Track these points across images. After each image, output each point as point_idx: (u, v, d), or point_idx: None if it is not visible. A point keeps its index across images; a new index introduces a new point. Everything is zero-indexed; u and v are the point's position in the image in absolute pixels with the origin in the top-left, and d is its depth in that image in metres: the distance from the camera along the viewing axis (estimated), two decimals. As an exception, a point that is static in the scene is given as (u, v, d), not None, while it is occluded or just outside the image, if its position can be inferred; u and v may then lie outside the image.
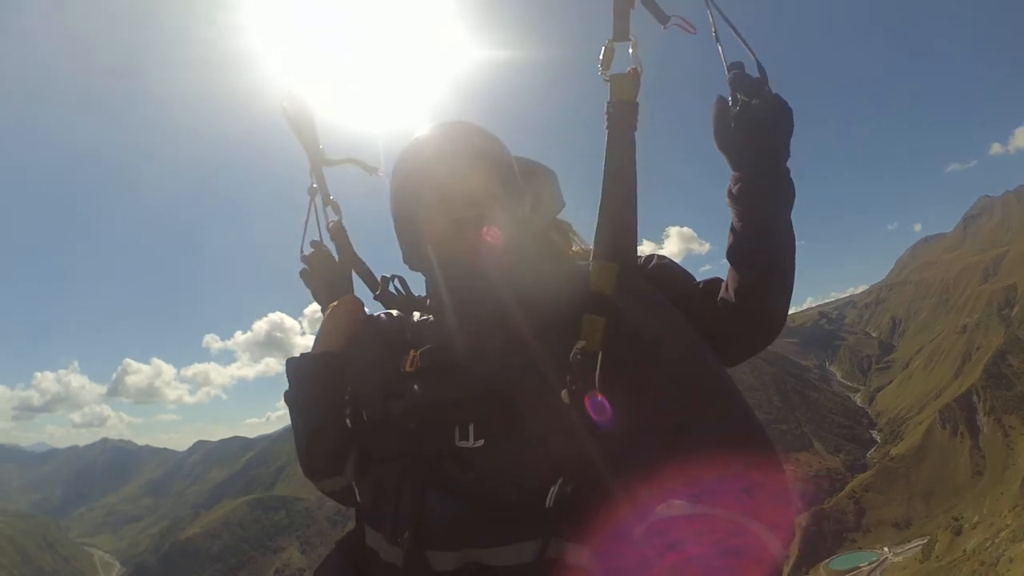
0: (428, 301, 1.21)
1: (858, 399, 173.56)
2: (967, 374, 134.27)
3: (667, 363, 0.92)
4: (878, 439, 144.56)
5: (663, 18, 1.11)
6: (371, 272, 1.38)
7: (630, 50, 1.04)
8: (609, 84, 1.04)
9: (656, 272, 1.39)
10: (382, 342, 1.21)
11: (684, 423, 0.86)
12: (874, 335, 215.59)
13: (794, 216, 1.18)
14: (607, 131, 1.02)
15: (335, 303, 1.36)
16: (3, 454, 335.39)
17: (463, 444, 0.96)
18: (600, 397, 0.88)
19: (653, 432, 0.87)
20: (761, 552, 0.77)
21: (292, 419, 1.24)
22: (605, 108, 1.03)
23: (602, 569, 0.86)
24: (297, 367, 1.25)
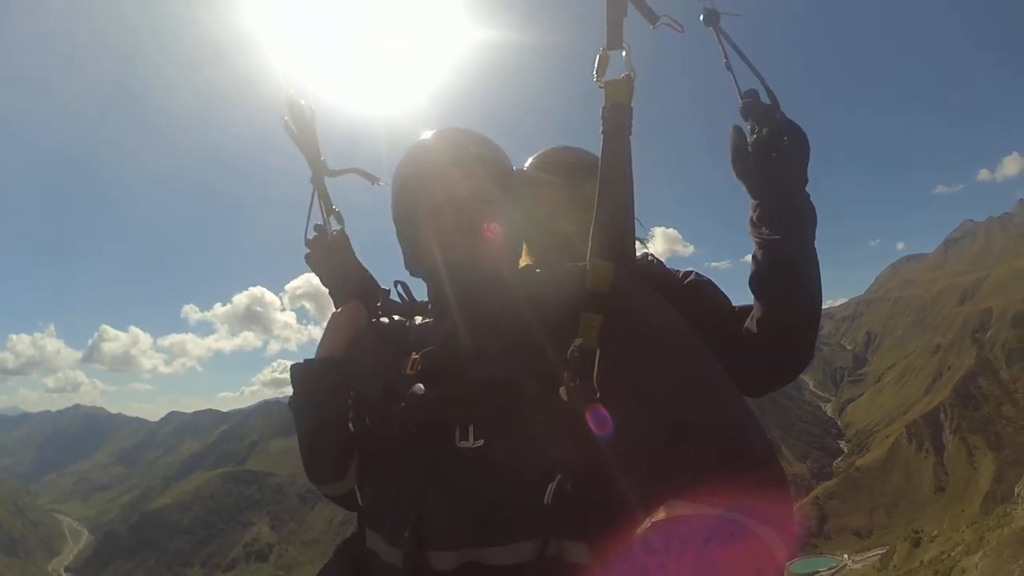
0: (429, 306, 1.23)
1: (828, 409, 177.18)
2: (937, 392, 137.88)
3: (664, 362, 0.93)
4: (845, 449, 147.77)
5: (652, 18, 1.14)
6: (375, 280, 1.42)
7: (623, 54, 1.07)
8: (604, 90, 1.06)
9: (690, 289, 1.38)
10: (384, 346, 1.22)
11: (682, 422, 0.86)
12: (849, 348, 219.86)
13: None
14: (603, 135, 1.05)
15: (338, 310, 1.37)
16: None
17: (463, 444, 0.96)
18: (600, 409, 0.88)
19: (652, 431, 0.86)
20: (763, 552, 0.76)
21: (296, 424, 1.25)
22: (601, 113, 1.06)
23: (602, 568, 0.87)
24: (301, 373, 1.26)
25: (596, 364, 0.92)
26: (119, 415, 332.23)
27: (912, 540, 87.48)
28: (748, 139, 1.19)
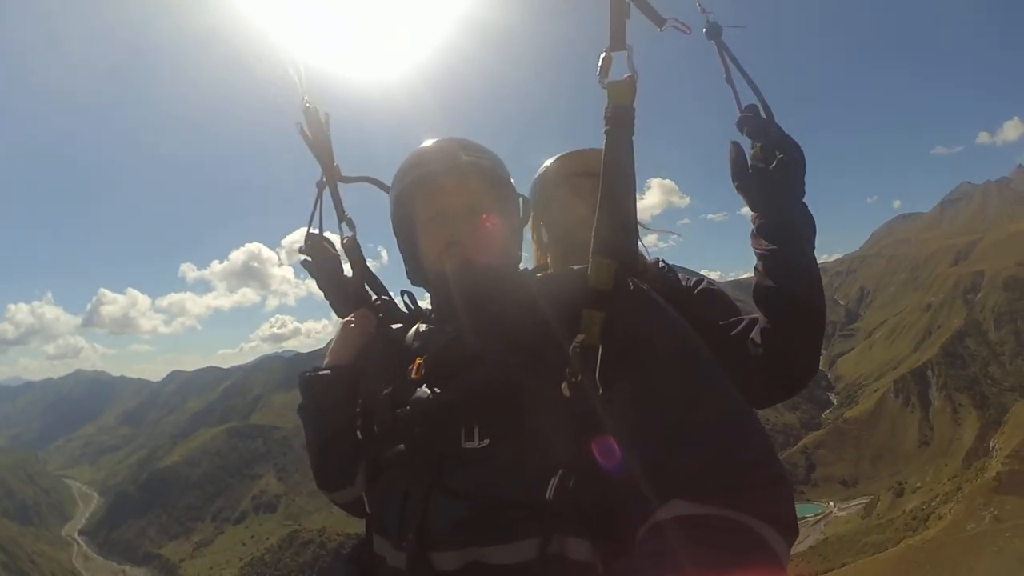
0: (432, 313, 1.25)
1: (819, 362, 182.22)
2: (925, 350, 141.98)
3: (664, 360, 0.93)
4: (834, 401, 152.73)
5: (659, 21, 1.15)
6: (384, 287, 1.44)
7: (626, 56, 1.08)
8: (607, 91, 1.08)
9: (699, 297, 1.41)
10: (391, 353, 1.24)
11: (683, 420, 0.86)
12: (841, 303, 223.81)
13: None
14: (605, 134, 1.07)
15: (347, 317, 1.39)
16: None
17: (468, 445, 0.97)
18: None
19: (652, 428, 0.87)
20: (763, 550, 0.76)
21: (306, 432, 1.27)
22: (603, 113, 1.08)
23: (604, 566, 0.88)
24: (311, 382, 1.28)
25: (598, 360, 0.93)
26: (121, 377, 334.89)
27: (896, 490, 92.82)
28: (747, 154, 1.23)
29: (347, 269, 1.55)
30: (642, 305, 1.01)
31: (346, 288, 1.49)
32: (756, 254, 1.24)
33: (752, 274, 1.26)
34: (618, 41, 1.08)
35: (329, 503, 1.33)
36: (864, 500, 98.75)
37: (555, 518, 0.89)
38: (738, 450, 0.84)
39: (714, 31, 1.29)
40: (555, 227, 1.55)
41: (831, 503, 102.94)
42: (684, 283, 1.49)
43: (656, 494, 0.83)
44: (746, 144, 1.27)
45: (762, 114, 1.25)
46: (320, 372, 1.29)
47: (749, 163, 1.23)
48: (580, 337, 0.94)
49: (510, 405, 0.95)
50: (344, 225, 1.53)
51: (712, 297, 1.43)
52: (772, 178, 1.20)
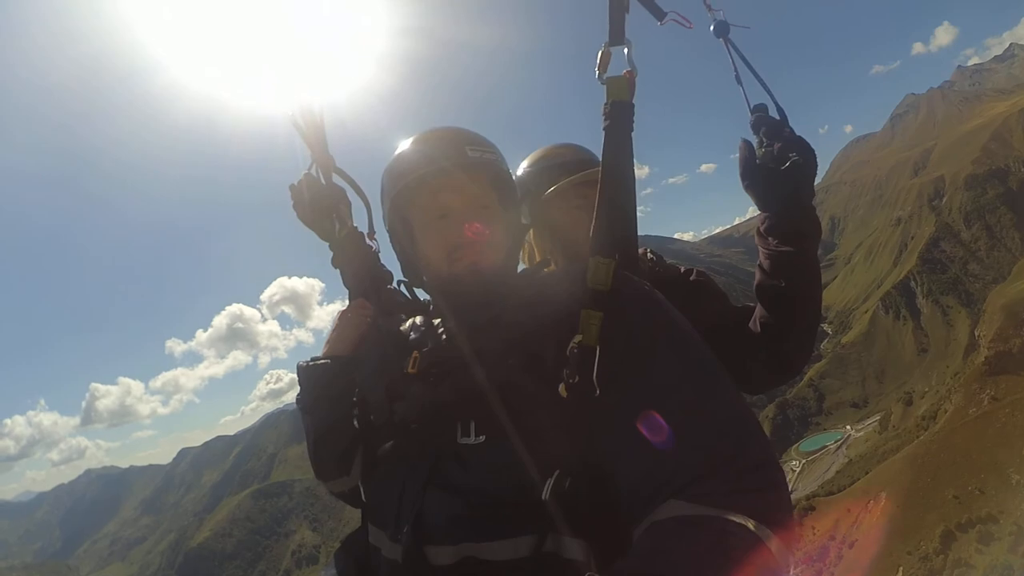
0: (430, 306, 1.24)
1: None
2: (904, 263, 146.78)
3: (663, 361, 0.92)
4: (829, 331, 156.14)
5: (659, 14, 1.14)
6: (389, 275, 1.46)
7: (625, 51, 1.06)
8: (606, 86, 1.06)
9: (692, 287, 1.44)
10: (388, 344, 1.23)
11: (683, 422, 0.86)
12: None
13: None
14: (604, 131, 1.05)
15: (344, 307, 1.37)
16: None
17: (465, 441, 0.97)
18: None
19: (653, 429, 0.86)
20: (759, 552, 0.76)
21: (304, 423, 1.27)
22: (602, 109, 1.05)
23: (599, 566, 0.87)
24: (308, 372, 1.27)
25: (596, 362, 0.91)
26: (131, 468, 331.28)
27: (905, 400, 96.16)
28: (757, 152, 1.22)
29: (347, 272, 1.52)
30: (643, 305, 1.00)
31: (357, 281, 1.46)
32: (763, 252, 1.26)
33: (755, 272, 1.28)
34: (617, 36, 1.05)
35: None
36: (877, 417, 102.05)
37: (550, 517, 0.89)
38: (738, 453, 0.83)
39: (722, 29, 1.27)
40: (556, 234, 1.53)
41: (847, 427, 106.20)
42: (675, 274, 1.51)
43: (654, 495, 0.83)
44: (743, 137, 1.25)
45: (774, 114, 1.25)
46: (317, 362, 1.27)
47: (759, 163, 1.21)
48: (578, 338, 0.93)
49: (507, 404, 0.94)
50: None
51: (705, 287, 1.45)
52: (783, 179, 1.19)
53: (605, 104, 1.06)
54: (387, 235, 1.25)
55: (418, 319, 1.25)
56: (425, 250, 1.14)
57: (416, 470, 1.01)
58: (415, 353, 1.11)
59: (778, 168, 1.20)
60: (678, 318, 1.00)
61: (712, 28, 1.28)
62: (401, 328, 1.26)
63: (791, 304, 1.24)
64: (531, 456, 0.91)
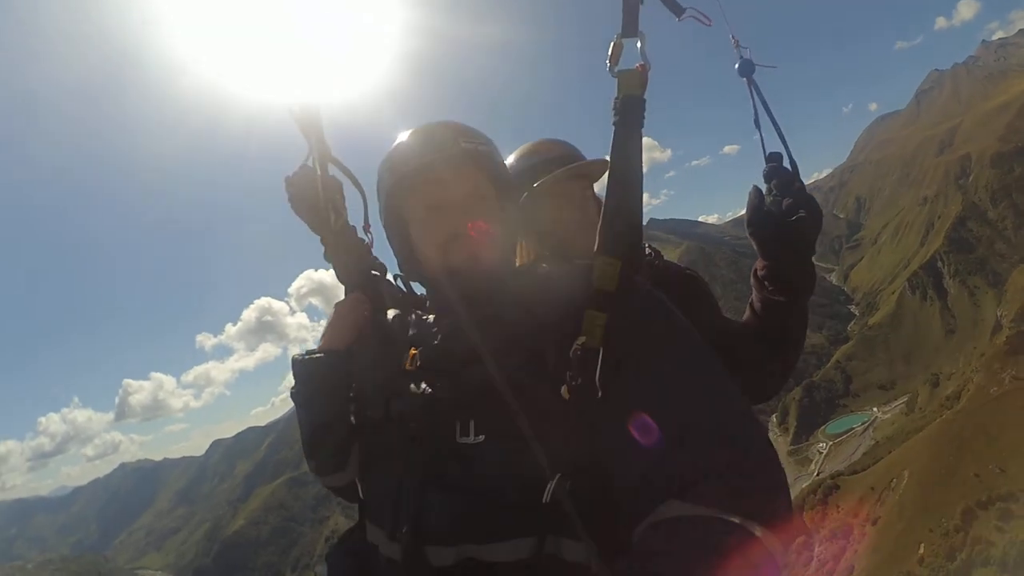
0: (428, 302, 1.22)
1: (833, 278, 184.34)
2: (931, 242, 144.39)
3: (667, 363, 0.92)
4: (856, 312, 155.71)
5: (678, 10, 1.12)
6: (383, 265, 1.41)
7: (638, 45, 1.04)
8: (617, 80, 1.03)
9: (691, 291, 1.47)
10: (385, 340, 1.22)
11: (683, 424, 0.86)
12: (841, 216, 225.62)
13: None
14: (614, 126, 1.02)
15: (340, 301, 1.35)
16: (29, 507, 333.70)
17: (464, 440, 0.96)
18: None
19: (654, 430, 0.86)
20: (760, 554, 0.77)
21: (298, 416, 1.25)
22: (612, 103, 1.03)
23: (599, 567, 0.86)
24: (303, 366, 1.25)
25: (599, 363, 0.91)
26: (165, 460, 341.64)
27: (932, 382, 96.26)
28: (765, 200, 1.26)
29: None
30: (647, 308, 0.99)
31: (351, 275, 1.40)
32: (756, 296, 1.32)
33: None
34: (631, 27, 1.03)
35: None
36: (904, 398, 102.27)
37: (551, 519, 0.89)
38: (739, 454, 0.84)
39: (747, 69, 1.28)
40: (542, 232, 1.48)
41: (875, 409, 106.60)
42: (674, 272, 1.53)
43: (654, 495, 0.83)
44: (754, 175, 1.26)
45: (787, 166, 1.29)
46: (313, 355, 1.25)
47: (767, 212, 1.25)
48: (581, 339, 0.92)
49: (508, 404, 0.92)
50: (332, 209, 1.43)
51: (700, 295, 1.48)
52: (789, 232, 1.24)
53: (616, 99, 1.02)
54: (383, 229, 1.23)
55: (415, 314, 1.22)
56: (420, 243, 1.13)
57: (415, 467, 1.00)
58: (413, 349, 1.09)
59: (785, 220, 1.24)
60: (682, 321, 1.00)
61: (736, 67, 1.29)
62: (398, 323, 1.24)
63: (775, 348, 1.33)
64: (532, 457, 0.90)
